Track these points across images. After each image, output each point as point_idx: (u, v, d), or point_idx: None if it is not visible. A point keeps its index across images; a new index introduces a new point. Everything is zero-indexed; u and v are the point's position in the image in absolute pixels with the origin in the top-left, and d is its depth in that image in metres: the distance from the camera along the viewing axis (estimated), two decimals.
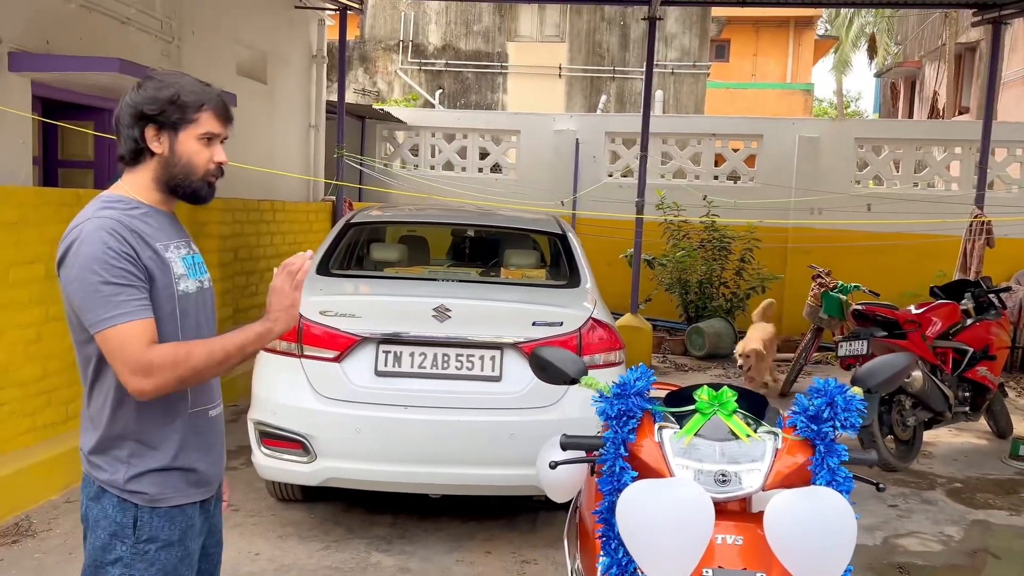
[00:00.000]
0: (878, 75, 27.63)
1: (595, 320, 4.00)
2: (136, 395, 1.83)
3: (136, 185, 1.97)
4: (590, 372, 3.69)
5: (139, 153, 1.95)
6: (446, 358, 3.89)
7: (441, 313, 3.85)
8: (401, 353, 3.89)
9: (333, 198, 9.19)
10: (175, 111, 1.92)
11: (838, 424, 1.90)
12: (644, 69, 8.94)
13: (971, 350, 6.09)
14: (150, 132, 1.92)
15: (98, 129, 5.76)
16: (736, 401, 1.97)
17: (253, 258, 7.28)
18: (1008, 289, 7.01)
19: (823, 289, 7.92)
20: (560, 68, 16.68)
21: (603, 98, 16.16)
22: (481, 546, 4.21)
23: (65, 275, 1.84)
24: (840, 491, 1.85)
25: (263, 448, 3.97)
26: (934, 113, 21.25)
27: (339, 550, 4.12)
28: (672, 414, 2.02)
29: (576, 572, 2.61)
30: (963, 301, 6.40)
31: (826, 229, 10.06)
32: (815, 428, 1.90)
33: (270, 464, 3.97)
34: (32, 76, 5.08)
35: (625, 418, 1.98)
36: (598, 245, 10.38)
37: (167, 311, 1.92)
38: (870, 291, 7.90)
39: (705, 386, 1.99)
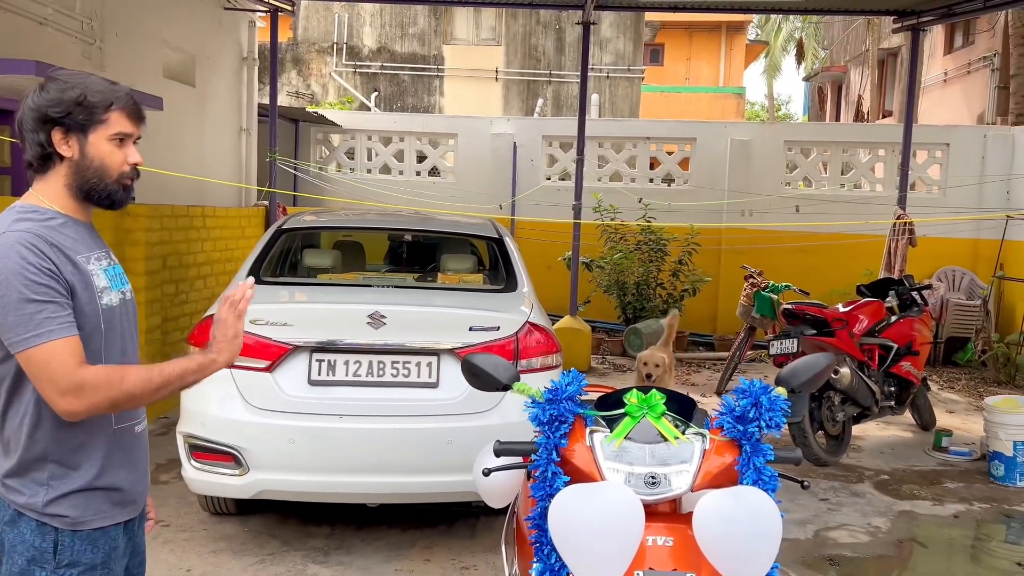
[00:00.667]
0: (806, 79, 28.45)
1: (532, 324, 4.01)
2: (65, 416, 1.76)
3: (49, 193, 1.88)
4: (528, 376, 3.72)
5: (47, 158, 1.86)
6: (382, 365, 3.84)
7: (376, 320, 3.80)
8: (335, 361, 3.83)
9: (266, 203, 9.02)
10: (82, 112, 1.84)
11: (763, 424, 1.93)
12: (579, 73, 9.01)
13: (896, 346, 6.30)
14: (57, 135, 1.84)
15: (14, 134, 5.53)
16: (665, 403, 2.00)
17: (183, 266, 7.08)
18: (929, 287, 7.27)
19: (755, 289, 8.10)
20: (496, 71, 16.72)
21: (540, 102, 16.25)
22: (420, 554, 4.18)
23: None
24: (766, 489, 1.88)
25: (193, 462, 3.86)
26: (859, 116, 21.98)
27: (274, 563, 4.03)
28: (603, 418, 2.03)
29: None
30: (888, 299, 6.62)
31: (758, 230, 10.30)
32: (741, 428, 1.94)
33: (201, 478, 3.87)
34: None
35: (557, 423, 1.99)
36: (537, 248, 10.44)
37: (91, 326, 1.85)
38: (800, 290, 8.11)
39: (634, 389, 2.01)
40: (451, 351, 3.85)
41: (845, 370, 5.76)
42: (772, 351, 6.06)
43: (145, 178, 6.80)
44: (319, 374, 3.82)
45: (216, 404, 3.80)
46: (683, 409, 2.07)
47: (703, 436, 1.97)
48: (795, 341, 5.95)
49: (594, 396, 2.23)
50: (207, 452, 3.81)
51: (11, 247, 1.74)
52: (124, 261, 6.28)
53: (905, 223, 8.57)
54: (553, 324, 9.22)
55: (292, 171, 10.37)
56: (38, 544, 1.81)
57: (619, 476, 1.90)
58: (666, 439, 1.94)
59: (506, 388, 2.15)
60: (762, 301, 7.89)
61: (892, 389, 6.39)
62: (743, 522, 1.75)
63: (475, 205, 9.97)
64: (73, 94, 1.84)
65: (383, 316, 3.80)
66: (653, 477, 1.88)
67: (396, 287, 4.45)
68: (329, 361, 3.83)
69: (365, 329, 3.80)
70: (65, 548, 1.83)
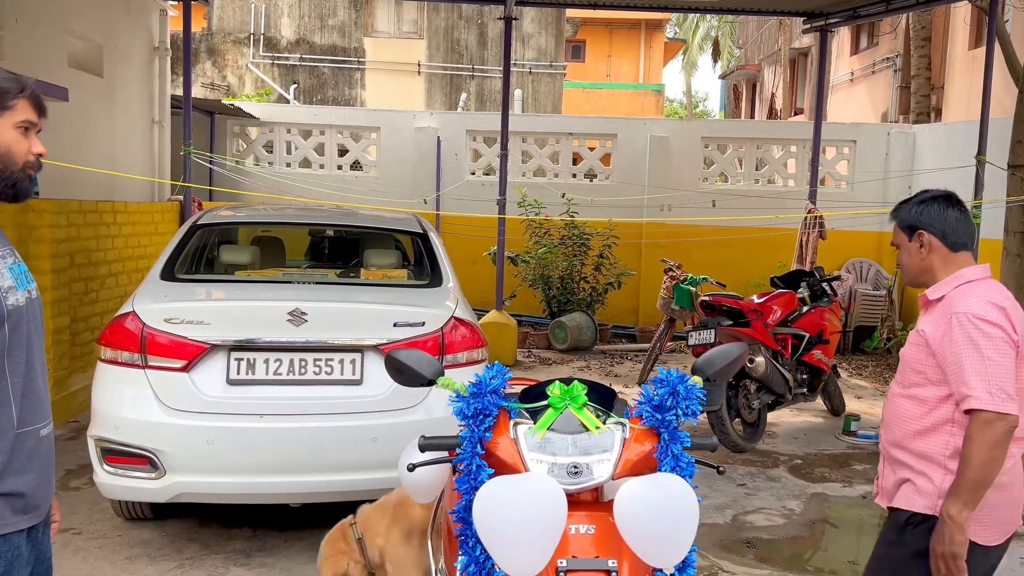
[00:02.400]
0: (722, 77, 29.22)
1: (457, 319, 4.01)
2: None
3: None
4: (454, 371, 3.72)
5: None
6: (303, 363, 3.78)
7: (297, 317, 3.74)
8: (255, 360, 3.75)
9: (180, 198, 8.73)
10: None
11: (680, 412, 1.99)
12: (502, 68, 9.03)
13: (807, 335, 6.55)
14: None
15: None
16: (586, 394, 2.03)
17: (92, 263, 6.81)
18: (838, 278, 7.58)
19: (674, 282, 8.29)
20: (419, 65, 16.60)
21: (463, 96, 16.22)
22: None
23: None
24: (683, 476, 1.94)
25: (106, 466, 3.72)
26: (772, 113, 22.71)
27: (194, 567, 3.93)
28: (527, 410, 2.06)
29: (440, 572, 2.60)
30: (799, 290, 6.88)
31: (676, 225, 10.53)
32: (659, 417, 1.99)
33: (114, 482, 3.73)
34: None
35: (481, 416, 2.00)
36: (462, 244, 10.43)
37: None
38: (717, 282, 8.34)
39: (557, 381, 2.04)
40: (375, 347, 3.82)
41: (760, 359, 5.96)
42: (691, 342, 6.22)
43: (50, 172, 6.51)
44: (238, 373, 3.73)
45: (130, 406, 3.68)
46: (604, 400, 2.11)
47: (623, 425, 2.02)
48: (712, 332, 6.11)
49: (519, 389, 2.25)
50: (121, 456, 3.68)
51: None
52: (28, 259, 6.00)
53: (815, 217, 8.91)
54: (479, 319, 9.27)
55: (208, 165, 10.08)
56: None
57: (543, 467, 1.92)
58: (588, 429, 1.97)
59: (431, 383, 2.15)
60: (681, 293, 8.08)
61: (804, 377, 6.64)
62: (661, 507, 1.80)
63: (399, 200, 9.90)
64: None
65: (304, 313, 3.74)
66: (575, 467, 1.91)
67: (317, 283, 4.38)
68: (248, 360, 3.75)
69: (285, 326, 3.73)
70: None
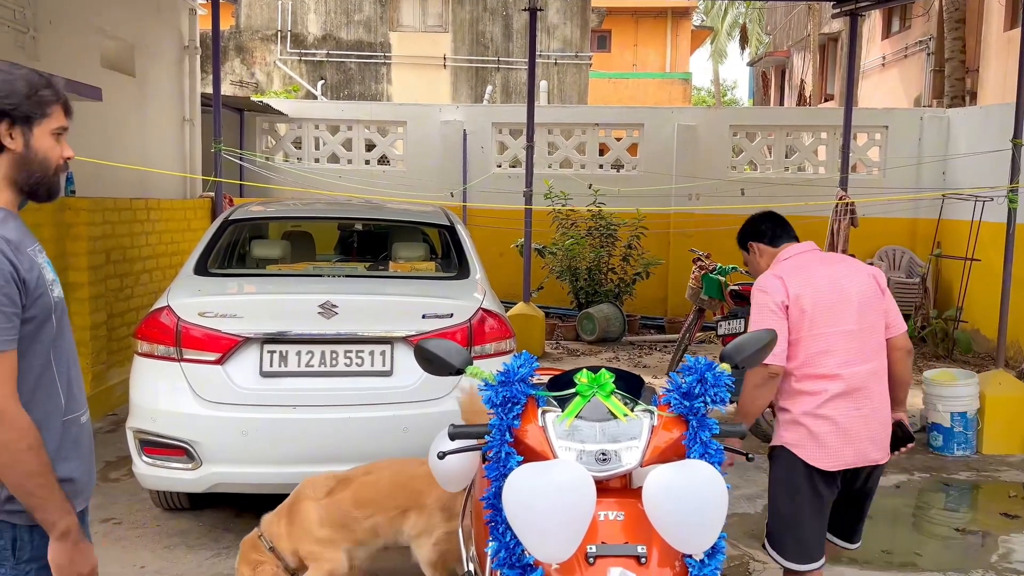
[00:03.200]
0: (751, 64, 28.90)
1: (485, 310, 4.03)
2: None
3: None
4: (482, 361, 3.75)
5: None
6: (334, 355, 3.84)
7: (327, 310, 3.79)
8: (287, 352, 3.81)
9: (212, 194, 8.85)
10: (31, 105, 1.83)
11: (708, 399, 1.99)
12: (527, 60, 9.02)
13: None
14: (4, 127, 1.82)
15: None
16: (614, 382, 2.04)
17: (127, 260, 6.93)
18: (870, 266, 7.48)
19: (703, 272, 8.23)
20: (444, 58, 16.63)
21: (489, 89, 16.21)
22: None
23: None
24: (712, 462, 1.94)
25: (144, 457, 3.81)
26: (802, 100, 22.42)
27: (230, 556, 4.00)
28: (555, 398, 2.07)
29: (472, 559, 2.64)
30: None
31: (705, 214, 10.46)
32: (687, 404, 1.99)
33: (152, 473, 3.82)
34: None
35: (509, 404, 2.02)
36: (489, 236, 10.46)
37: (43, 317, 1.83)
38: (747, 272, 8.27)
39: (584, 369, 2.05)
40: (404, 339, 3.86)
41: None
42: (720, 331, 6.19)
43: (86, 170, 6.63)
44: (271, 365, 3.79)
45: (166, 398, 3.76)
46: (632, 388, 2.12)
47: (651, 413, 2.02)
48: (742, 321, 6.07)
49: (545, 379, 2.27)
50: (158, 447, 3.76)
51: None
52: (65, 256, 6.15)
53: (847, 204, 8.79)
54: (506, 311, 9.29)
55: (238, 162, 10.20)
56: None
57: (571, 454, 1.94)
58: (615, 417, 1.99)
59: (459, 372, 2.18)
60: (710, 283, 8.02)
61: None
62: (690, 494, 1.81)
63: (426, 193, 9.94)
64: (22, 86, 1.83)
65: (335, 306, 3.79)
66: (604, 454, 1.92)
67: (347, 276, 4.43)
68: (280, 352, 3.81)
69: (316, 319, 3.78)
70: (24, 544, 1.82)
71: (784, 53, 24.93)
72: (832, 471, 2.82)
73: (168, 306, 3.82)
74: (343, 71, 16.76)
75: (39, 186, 1.90)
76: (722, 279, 8.04)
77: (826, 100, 21.14)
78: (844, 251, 8.61)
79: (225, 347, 3.74)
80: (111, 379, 6.42)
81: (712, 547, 1.88)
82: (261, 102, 11.26)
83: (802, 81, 22.35)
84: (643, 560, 1.85)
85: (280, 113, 11.27)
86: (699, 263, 8.44)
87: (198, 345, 3.74)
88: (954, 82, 14.05)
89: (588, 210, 10.10)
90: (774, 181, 10.74)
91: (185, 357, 3.74)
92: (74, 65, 6.70)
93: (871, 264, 8.44)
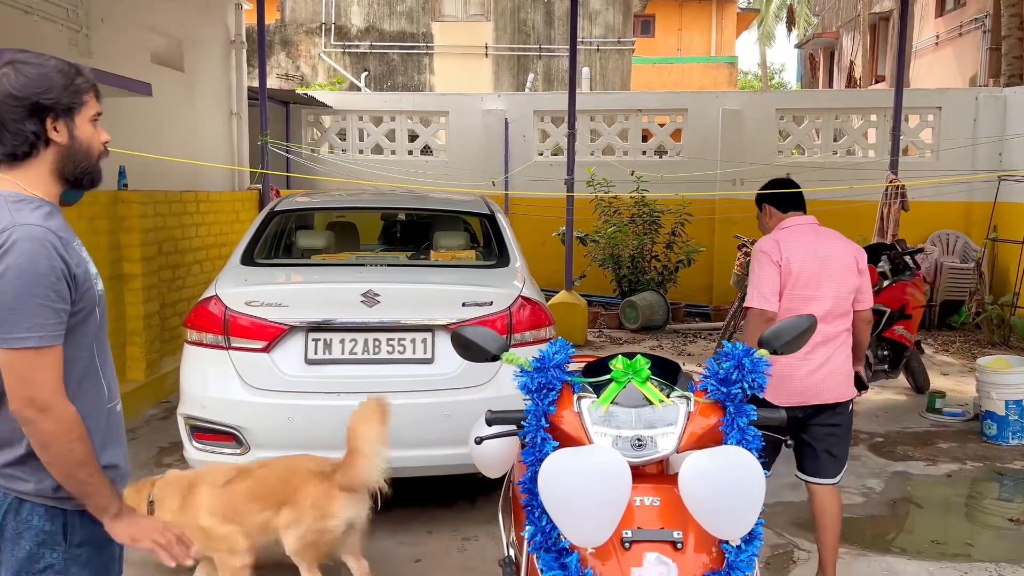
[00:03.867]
0: (798, 46, 28.29)
1: (524, 298, 4.05)
2: (14, 415, 1.75)
3: (30, 180, 1.82)
4: (521, 349, 3.77)
5: (33, 148, 1.81)
6: (377, 343, 3.89)
7: (369, 298, 3.84)
8: (331, 340, 3.88)
9: (259, 186, 9.02)
10: (70, 96, 1.81)
11: (746, 385, 1.98)
12: (567, 46, 8.98)
13: (888, 311, 6.35)
14: (49, 122, 1.80)
15: None
16: (650, 368, 2.04)
17: (178, 251, 7.11)
18: (921, 251, 7.31)
19: (748, 258, 8.13)
20: (486, 47, 16.62)
21: (530, 77, 16.16)
22: (423, 527, 4.25)
23: None
24: (749, 448, 1.93)
25: (195, 443, 3.92)
26: (851, 82, 21.90)
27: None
28: (590, 384, 2.08)
29: (512, 544, 2.66)
30: (880, 264, 6.67)
31: (750, 199, 10.29)
32: (724, 390, 1.98)
33: (202, 458, 3.92)
34: None
35: (545, 390, 2.03)
36: (531, 224, 10.46)
37: (89, 309, 1.86)
38: None
39: (620, 355, 2.05)
40: (445, 327, 3.89)
41: None
42: None
43: (138, 164, 6.78)
44: (315, 353, 3.86)
45: (215, 385, 3.85)
46: (668, 373, 2.12)
47: (688, 399, 2.02)
48: None
49: (580, 366, 2.28)
50: (208, 433, 3.87)
51: (40, 244, 1.72)
52: (120, 248, 6.33)
53: (897, 187, 8.58)
54: (548, 299, 9.30)
55: (284, 154, 10.36)
56: (47, 528, 1.83)
57: (607, 440, 1.95)
58: (651, 403, 1.99)
59: (495, 359, 2.20)
60: None
61: (885, 353, 6.45)
62: (727, 480, 1.80)
63: (468, 183, 9.97)
64: (59, 77, 1.80)
65: (376, 294, 3.84)
66: (639, 439, 1.93)
67: (389, 265, 4.48)
68: (325, 340, 3.87)
69: (359, 307, 3.84)
70: (75, 529, 1.85)
71: (833, 34, 24.35)
72: (793, 406, 3.29)
73: (216, 295, 3.92)
74: (386, 62, 16.87)
75: (85, 175, 1.89)
76: None
77: (876, 82, 20.60)
78: (894, 235, 8.42)
79: (271, 335, 3.82)
80: (164, 367, 6.60)
81: (749, 533, 1.87)
82: (306, 94, 11.41)
83: (851, 63, 21.81)
84: (679, 545, 1.85)
85: (324, 105, 11.40)
86: (744, 249, 8.33)
87: (245, 333, 3.82)
88: (1011, 60, 13.56)
89: (631, 197, 10.03)
90: (822, 165, 10.53)
91: (233, 345, 3.83)
92: (125, 61, 6.87)
93: (922, 247, 8.26)
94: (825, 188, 9.31)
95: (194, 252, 7.44)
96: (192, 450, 3.94)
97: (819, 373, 3.36)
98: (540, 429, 2.00)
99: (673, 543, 1.85)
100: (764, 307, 3.33)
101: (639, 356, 2.03)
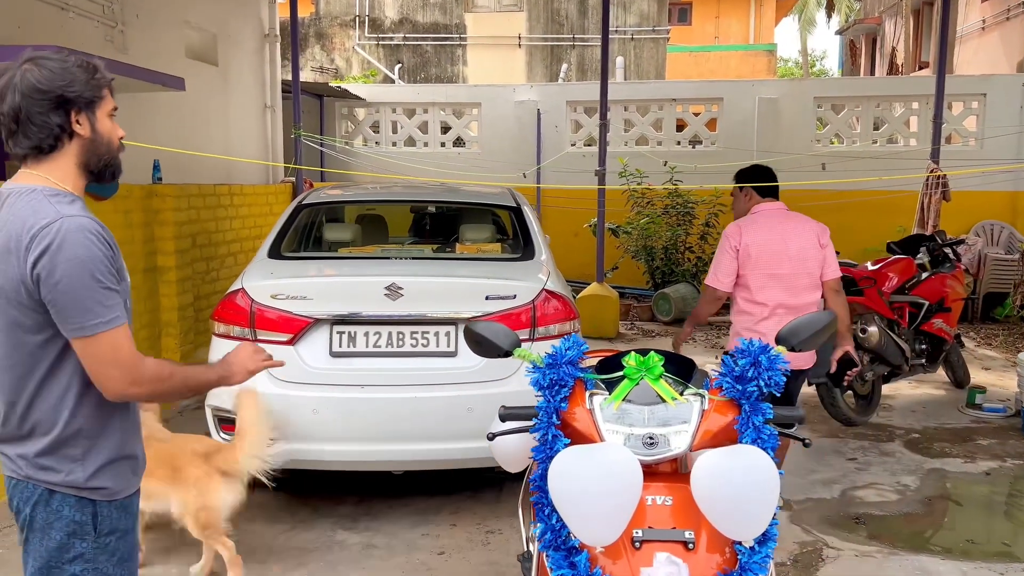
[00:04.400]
0: (839, 32, 27.70)
1: (548, 291, 4.02)
2: (116, 398, 1.85)
3: (58, 174, 1.86)
4: (546, 343, 3.75)
5: (58, 140, 1.85)
6: (400, 336, 3.89)
7: (393, 291, 3.85)
8: (355, 333, 3.89)
9: (292, 179, 9.10)
10: (92, 90, 1.87)
11: (762, 383, 1.93)
12: (600, 35, 8.89)
13: (927, 303, 6.20)
14: (73, 115, 1.85)
15: None
16: (664, 365, 2.00)
17: (212, 244, 7.20)
18: (962, 242, 7.12)
19: None
20: (519, 38, 16.53)
21: (564, 67, 16.05)
22: (447, 519, 4.26)
23: (48, 272, 1.74)
24: (764, 447, 1.89)
25: (222, 434, 3.97)
26: (893, 69, 21.38)
27: (305, 530, 4.15)
28: (603, 381, 2.05)
29: (531, 539, 2.65)
30: (918, 256, 6.51)
31: (788, 189, 10.10)
32: (740, 388, 1.94)
33: None
34: None
35: (557, 387, 2.01)
36: (564, 216, 10.41)
37: (123, 301, 1.90)
38: None
39: (633, 352, 2.02)
40: (469, 320, 3.88)
41: (873, 329, 5.69)
42: None
43: (173, 157, 6.85)
44: (340, 346, 3.88)
45: None
46: (683, 371, 2.08)
47: (702, 396, 1.98)
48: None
49: (596, 361, 2.24)
50: (235, 424, 3.90)
51: (92, 235, 1.78)
52: (155, 240, 6.43)
53: (938, 177, 8.35)
54: (580, 292, 9.25)
55: (318, 148, 10.43)
56: (78, 518, 1.86)
57: (618, 437, 1.92)
58: (664, 400, 1.95)
59: (507, 354, 2.18)
60: None
61: (923, 347, 6.30)
62: (739, 479, 1.76)
63: (500, 174, 9.95)
64: (81, 72, 1.85)
65: (400, 288, 3.85)
66: (651, 438, 1.90)
67: (414, 259, 4.48)
68: (349, 333, 3.89)
69: (383, 301, 3.85)
70: (104, 518, 1.89)
71: (875, 20, 23.77)
72: None
73: (243, 288, 3.95)
74: (419, 54, 16.88)
75: (107, 167, 1.94)
76: None
77: (920, 68, 20.07)
78: (935, 226, 8.20)
79: (296, 328, 3.85)
80: (198, 358, 6.70)
81: (763, 534, 1.83)
82: (339, 87, 11.47)
83: (893, 49, 21.29)
84: (691, 546, 1.82)
85: (358, 98, 11.45)
86: None
87: (271, 326, 3.85)
88: None
89: (664, 188, 9.92)
90: (860, 155, 10.31)
91: (259, 338, 3.86)
92: (160, 56, 6.96)
93: (964, 238, 8.04)
94: (856, 179, 9.10)
95: (228, 244, 7.53)
96: (220, 441, 3.98)
97: None
98: (551, 426, 1.98)
99: (685, 543, 1.82)
100: (716, 286, 3.89)
101: (652, 352, 2.00)
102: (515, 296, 3.91)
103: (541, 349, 2.26)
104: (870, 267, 6.15)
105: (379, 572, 3.73)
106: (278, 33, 9.64)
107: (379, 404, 3.84)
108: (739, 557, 1.84)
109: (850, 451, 5.35)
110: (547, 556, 1.89)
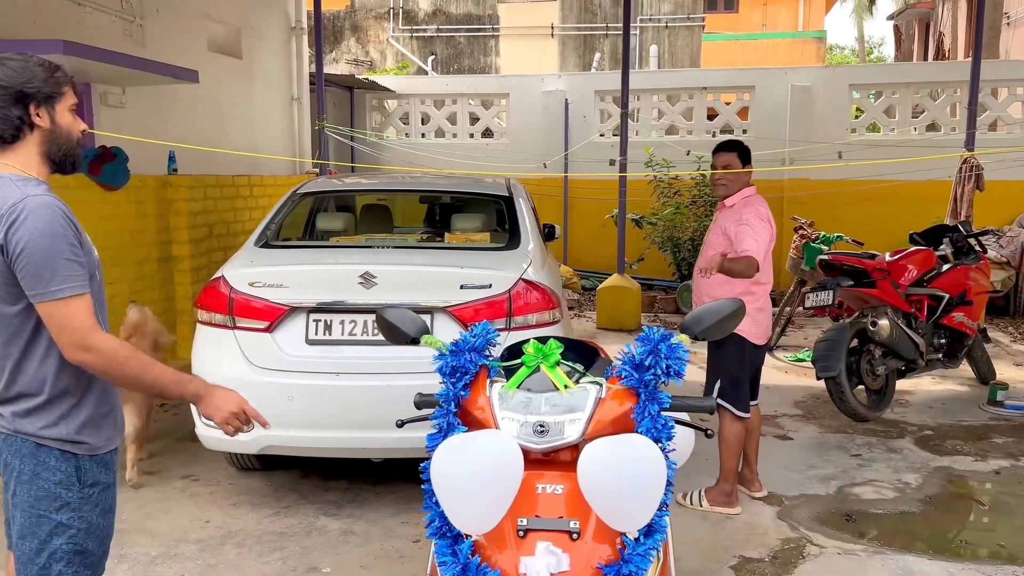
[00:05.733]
0: (891, 18, 26.82)
1: (526, 281, 3.98)
2: (71, 361, 1.97)
3: (24, 162, 2.04)
4: (523, 333, 3.72)
5: (19, 131, 2.03)
6: (375, 324, 3.90)
7: (367, 280, 3.86)
8: (331, 321, 3.92)
9: (316, 171, 9.21)
10: (50, 86, 2.05)
11: (660, 372, 1.88)
12: (635, 24, 8.77)
13: (947, 296, 5.98)
14: (31, 108, 2.03)
15: None
16: (566, 353, 1.97)
17: (230, 233, 7.34)
18: (988, 232, 6.85)
19: (805, 240, 7.80)
20: (552, 27, 16.41)
21: (597, 56, 15.87)
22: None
23: (14, 244, 1.90)
24: (659, 437, 1.84)
25: (204, 419, 4.03)
26: (940, 55, 20.63)
27: (288, 515, 4.20)
28: (505, 369, 2.02)
29: None
30: (941, 247, 6.28)
31: (820, 180, 9.87)
32: (637, 376, 1.89)
33: (211, 434, 4.04)
34: None
35: (459, 374, 1.99)
36: (590, 207, 10.34)
37: (90, 274, 2.03)
38: (854, 241, 7.77)
39: (532, 340, 1.99)
40: (444, 309, 3.88)
41: (884, 322, 5.52)
42: (807, 304, 5.86)
43: (195, 151, 6.91)
44: (316, 333, 3.92)
45: (222, 364, 3.95)
46: (585, 358, 2.04)
47: (599, 385, 1.94)
48: (831, 293, 5.72)
49: (502, 350, 2.21)
50: None
51: (52, 210, 1.93)
52: (169, 230, 6.57)
53: (971, 166, 8.03)
54: (603, 282, 9.14)
55: (348, 141, 10.53)
56: (64, 469, 2.03)
57: (513, 425, 1.89)
58: (557, 388, 1.91)
59: (415, 342, 2.17)
60: (811, 253, 7.59)
61: (942, 341, 6.08)
62: (622, 469, 1.72)
63: (526, 165, 9.92)
64: (40, 71, 2.04)
65: (374, 276, 3.86)
66: (542, 425, 1.86)
67: (396, 248, 4.49)
68: (325, 321, 3.92)
69: (357, 289, 3.86)
70: (86, 471, 2.06)
71: (928, 4, 22.95)
72: (761, 345, 4.15)
73: (222, 277, 4.02)
74: (452, 46, 16.90)
75: (67, 157, 2.11)
76: (824, 248, 7.58)
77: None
78: (967, 217, 7.90)
79: (273, 315, 3.89)
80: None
81: (648, 526, 1.78)
82: (367, 79, 11.56)
83: (940, 34, 20.53)
84: (575, 536, 1.78)
85: (386, 89, 11.53)
86: (801, 232, 8.01)
87: (249, 313, 3.91)
88: None
89: (692, 178, 9.75)
90: (898, 143, 9.98)
91: (238, 325, 3.92)
92: (180, 50, 7.10)
93: (990, 229, 7.73)
94: (902, 170, 8.80)
95: (247, 235, 7.60)
96: (201, 426, 4.06)
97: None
98: (449, 414, 1.96)
99: (569, 533, 1.78)
100: (760, 259, 3.88)
101: (552, 340, 1.96)
102: (490, 285, 3.89)
103: (518, 339, 2.26)
104: (887, 258, 5.96)
105: (351, 559, 3.76)
106: (304, 26, 9.74)
107: (354, 392, 3.86)
108: (625, 548, 1.79)
109: (855, 447, 5.20)
110: (435, 544, 1.88)
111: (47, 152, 2.07)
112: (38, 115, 2.04)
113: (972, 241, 6.38)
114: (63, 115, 2.09)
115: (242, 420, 2.12)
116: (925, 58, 23.06)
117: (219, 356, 3.96)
